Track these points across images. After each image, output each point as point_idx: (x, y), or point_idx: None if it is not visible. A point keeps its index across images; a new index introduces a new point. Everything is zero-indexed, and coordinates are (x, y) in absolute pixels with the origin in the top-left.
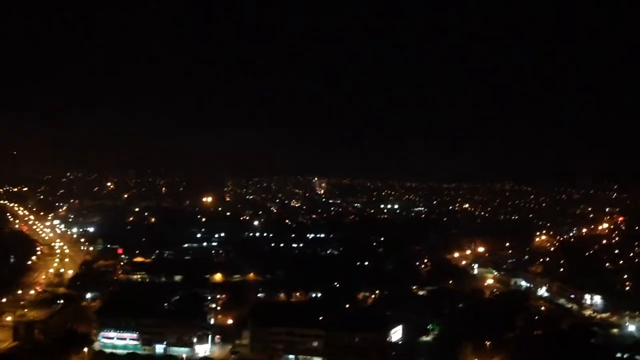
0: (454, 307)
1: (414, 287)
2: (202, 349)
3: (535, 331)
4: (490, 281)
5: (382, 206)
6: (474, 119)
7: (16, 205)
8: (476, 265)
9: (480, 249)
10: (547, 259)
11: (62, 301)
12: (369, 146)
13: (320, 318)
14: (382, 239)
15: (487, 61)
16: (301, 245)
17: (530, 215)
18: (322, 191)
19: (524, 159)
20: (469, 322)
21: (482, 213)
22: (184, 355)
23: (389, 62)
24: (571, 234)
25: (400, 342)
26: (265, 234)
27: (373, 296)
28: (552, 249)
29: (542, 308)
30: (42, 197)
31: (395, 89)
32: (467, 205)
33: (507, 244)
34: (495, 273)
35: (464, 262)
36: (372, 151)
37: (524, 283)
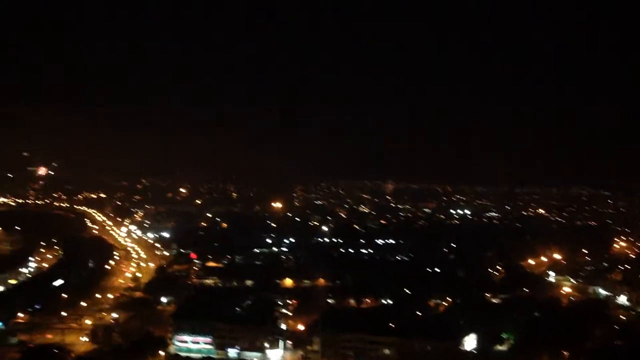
0: (530, 315)
1: (487, 295)
2: (274, 354)
3: (615, 341)
4: (567, 289)
5: (452, 211)
6: (548, 123)
7: (94, 211)
8: (552, 273)
9: (557, 256)
10: (628, 266)
11: (138, 305)
12: (438, 150)
13: (392, 325)
14: (453, 245)
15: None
16: (370, 251)
17: (609, 221)
18: (391, 196)
19: (601, 164)
20: (545, 331)
21: (558, 219)
22: None
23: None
24: None
25: (473, 351)
26: (334, 239)
27: (445, 303)
28: (632, 255)
29: (623, 317)
30: (118, 203)
31: (467, 88)
32: (541, 211)
33: (585, 251)
34: (573, 281)
35: (539, 270)
36: (442, 155)
37: (603, 291)
